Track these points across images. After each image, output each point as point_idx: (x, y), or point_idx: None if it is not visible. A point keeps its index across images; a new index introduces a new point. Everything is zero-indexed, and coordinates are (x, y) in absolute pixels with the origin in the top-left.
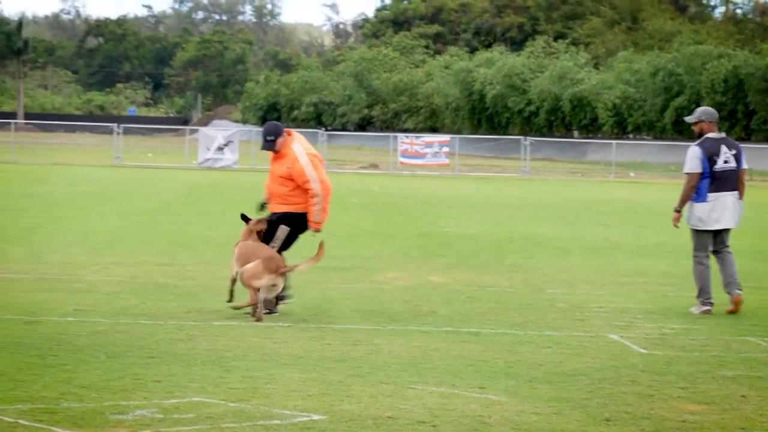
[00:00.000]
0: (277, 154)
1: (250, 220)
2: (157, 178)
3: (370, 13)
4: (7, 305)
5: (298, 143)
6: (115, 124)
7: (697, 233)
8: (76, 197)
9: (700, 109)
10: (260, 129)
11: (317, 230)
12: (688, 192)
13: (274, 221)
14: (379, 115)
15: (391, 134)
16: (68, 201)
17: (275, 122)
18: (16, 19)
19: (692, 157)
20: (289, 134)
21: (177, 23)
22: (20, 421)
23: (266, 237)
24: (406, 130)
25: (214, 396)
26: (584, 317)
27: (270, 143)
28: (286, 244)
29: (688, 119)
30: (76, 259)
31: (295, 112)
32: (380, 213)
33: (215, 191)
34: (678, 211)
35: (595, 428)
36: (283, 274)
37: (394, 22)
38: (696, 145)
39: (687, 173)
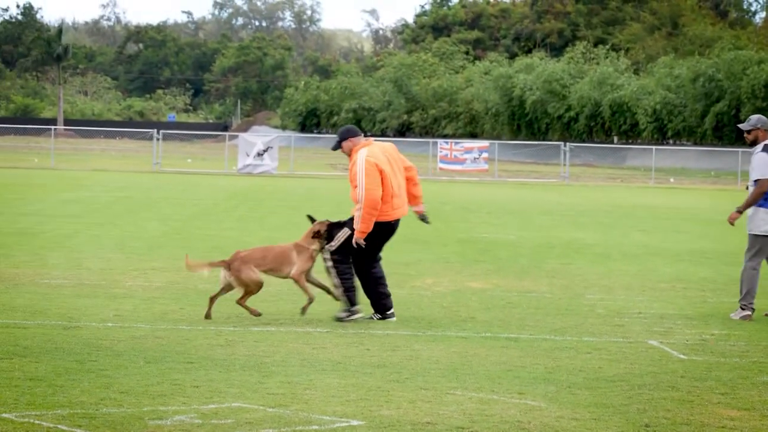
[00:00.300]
0: (350, 157)
1: (315, 220)
2: (197, 184)
3: (410, 19)
4: (47, 311)
5: (368, 150)
6: (155, 130)
7: (765, 239)
8: (116, 203)
9: (755, 117)
10: (299, 135)
11: (356, 240)
12: (757, 197)
13: (339, 223)
14: (419, 120)
15: (431, 140)
16: (107, 207)
17: (350, 126)
18: (56, 25)
19: (765, 163)
20: (367, 141)
21: (216, 29)
22: (59, 426)
23: (328, 238)
24: (445, 136)
25: (253, 401)
26: (623, 323)
27: (335, 144)
28: (348, 253)
29: (743, 127)
30: (116, 265)
31: (335, 118)
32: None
33: (254, 197)
34: (740, 211)
35: None
36: (224, 268)
37: (433, 27)
38: (763, 151)
39: (759, 179)
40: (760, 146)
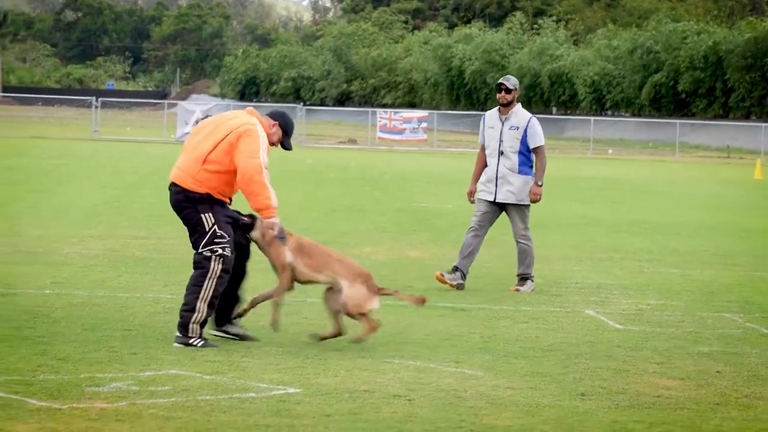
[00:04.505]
0: None
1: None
2: (135, 152)
3: None
4: None
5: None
6: (93, 98)
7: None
8: (54, 170)
9: (515, 79)
10: (238, 104)
11: None
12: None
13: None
14: (358, 90)
15: (370, 109)
16: (46, 174)
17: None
18: None
19: (541, 129)
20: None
21: None
22: None
23: None
24: (384, 106)
25: (190, 369)
26: (560, 293)
27: None
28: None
29: (509, 84)
30: (54, 232)
31: (274, 87)
32: (358, 188)
33: None
34: (542, 184)
35: (570, 402)
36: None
37: None
38: (533, 117)
39: (542, 146)
40: (525, 112)
